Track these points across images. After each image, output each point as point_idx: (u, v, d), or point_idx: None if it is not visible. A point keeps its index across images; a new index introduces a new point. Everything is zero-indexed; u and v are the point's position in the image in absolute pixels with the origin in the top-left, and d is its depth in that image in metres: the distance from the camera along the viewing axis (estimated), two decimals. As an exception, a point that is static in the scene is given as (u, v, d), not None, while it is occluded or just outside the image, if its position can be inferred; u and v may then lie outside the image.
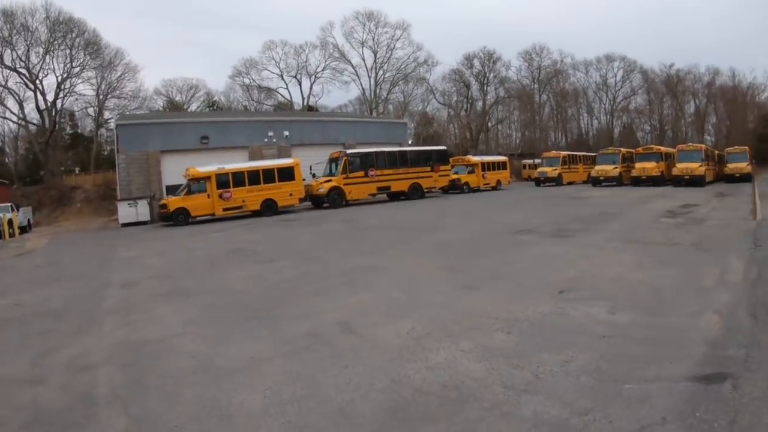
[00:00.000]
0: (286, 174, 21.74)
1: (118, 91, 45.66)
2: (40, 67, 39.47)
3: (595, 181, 29.54)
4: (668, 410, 2.94)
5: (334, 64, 57.56)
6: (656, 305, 5.13)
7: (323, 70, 57.45)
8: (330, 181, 22.80)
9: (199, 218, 20.14)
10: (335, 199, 22.45)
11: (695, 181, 25.55)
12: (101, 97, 44.77)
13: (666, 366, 3.57)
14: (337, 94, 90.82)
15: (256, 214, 20.89)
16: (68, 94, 42.36)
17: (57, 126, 42.18)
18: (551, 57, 65.21)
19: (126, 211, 22.11)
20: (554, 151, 39.94)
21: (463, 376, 3.58)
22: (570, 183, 33.93)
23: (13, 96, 39.81)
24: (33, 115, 41.30)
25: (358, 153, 24.31)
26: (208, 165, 21.09)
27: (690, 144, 33.65)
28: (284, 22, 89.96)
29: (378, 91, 58.79)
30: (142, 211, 22.24)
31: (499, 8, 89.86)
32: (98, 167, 41.41)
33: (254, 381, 3.71)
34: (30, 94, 39.92)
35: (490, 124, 64.95)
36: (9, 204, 22.58)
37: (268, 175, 21.31)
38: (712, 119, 68.24)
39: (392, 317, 5.10)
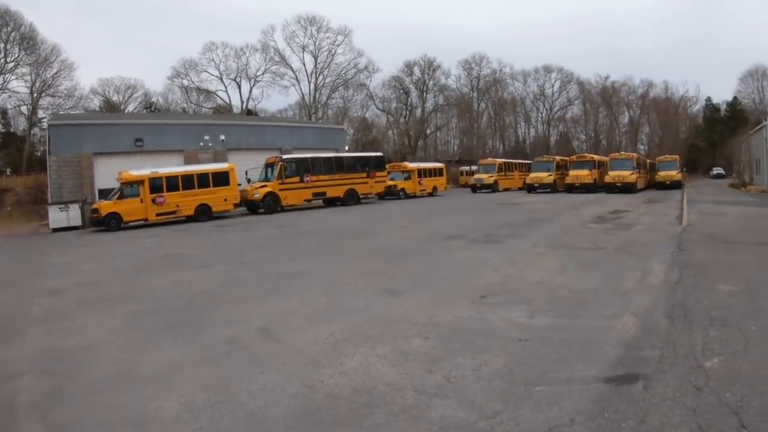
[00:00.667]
0: (221, 179, 21.54)
1: (53, 89, 43.62)
2: (-28, 62, 36.61)
3: (530, 188, 30.93)
4: (577, 411, 2.99)
5: (275, 68, 57.53)
6: (575, 308, 5.26)
7: (263, 73, 57.31)
8: (265, 186, 22.85)
9: (131, 223, 19.57)
10: (270, 204, 22.52)
11: (627, 188, 27.18)
12: (35, 95, 42.55)
13: (579, 368, 3.65)
14: (276, 99, 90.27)
15: (190, 219, 20.61)
16: (1, 91, 39.83)
17: (-13, 124, 39.31)
18: (490, 66, 67.88)
19: (57, 216, 21.12)
20: (491, 159, 41.36)
21: (376, 380, 3.66)
22: (506, 189, 35.30)
23: (-59, 91, 36.83)
24: (-38, 112, 38.39)
25: (294, 158, 24.45)
26: (142, 168, 20.59)
27: (622, 153, 36.30)
28: (226, 21, 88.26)
29: (318, 96, 59.03)
30: (73, 215, 21.30)
31: (440, 17, 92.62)
32: (31, 169, 38.58)
33: (171, 387, 3.77)
34: (-41, 89, 37.00)
35: (428, 131, 66.50)
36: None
37: (203, 180, 21.08)
38: (646, 129, 73.00)
39: (314, 323, 5.21)
